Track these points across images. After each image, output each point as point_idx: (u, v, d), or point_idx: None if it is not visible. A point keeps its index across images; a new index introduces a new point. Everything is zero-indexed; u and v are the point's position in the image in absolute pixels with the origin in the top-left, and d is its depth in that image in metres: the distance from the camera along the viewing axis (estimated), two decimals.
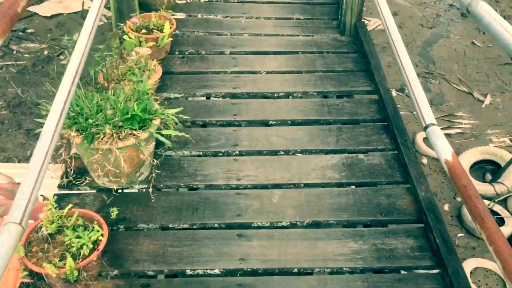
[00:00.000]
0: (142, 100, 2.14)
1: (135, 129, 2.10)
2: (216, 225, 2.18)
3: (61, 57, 4.74)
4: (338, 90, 2.98)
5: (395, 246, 2.09)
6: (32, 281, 1.82)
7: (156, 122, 2.18)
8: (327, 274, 2.02)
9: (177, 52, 3.28)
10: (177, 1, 3.74)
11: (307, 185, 2.37)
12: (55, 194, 2.23)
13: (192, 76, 3.05)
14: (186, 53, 3.29)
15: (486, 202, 3.22)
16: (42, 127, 1.47)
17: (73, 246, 1.82)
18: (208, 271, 1.99)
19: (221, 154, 2.53)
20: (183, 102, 2.85)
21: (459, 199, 3.35)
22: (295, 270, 2.01)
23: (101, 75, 2.52)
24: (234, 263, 2.01)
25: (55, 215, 1.89)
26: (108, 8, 4.44)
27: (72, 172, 2.31)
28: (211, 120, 2.74)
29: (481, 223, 1.28)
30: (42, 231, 1.87)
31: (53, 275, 1.72)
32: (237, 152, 2.53)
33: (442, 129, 4.08)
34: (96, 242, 1.86)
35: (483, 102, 4.32)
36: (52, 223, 1.88)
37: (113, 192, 2.25)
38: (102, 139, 2.05)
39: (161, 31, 3.07)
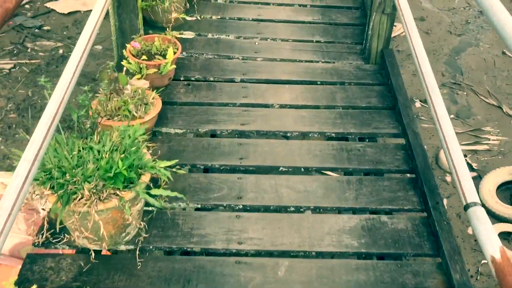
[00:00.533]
0: (129, 154, 1.82)
1: (119, 189, 1.79)
2: None
3: None
4: (360, 132, 2.63)
5: None
6: None
7: (145, 178, 1.86)
8: None
9: (182, 78, 2.96)
10: (186, 18, 3.42)
11: (320, 254, 2.03)
12: (28, 255, 1.95)
13: (197, 108, 2.73)
14: (192, 79, 2.96)
15: None
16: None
17: None
18: None
19: (222, 208, 2.21)
20: (183, 141, 2.53)
21: None
22: None
23: (91, 111, 2.21)
24: None
25: None
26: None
27: (49, 226, 2.00)
28: (213, 164, 2.41)
29: None
30: None
31: None
32: (241, 207, 2.21)
33: (468, 144, 3.74)
34: None
35: None
36: None
37: (94, 255, 1.93)
38: (79, 200, 1.75)
39: (165, 56, 2.74)
